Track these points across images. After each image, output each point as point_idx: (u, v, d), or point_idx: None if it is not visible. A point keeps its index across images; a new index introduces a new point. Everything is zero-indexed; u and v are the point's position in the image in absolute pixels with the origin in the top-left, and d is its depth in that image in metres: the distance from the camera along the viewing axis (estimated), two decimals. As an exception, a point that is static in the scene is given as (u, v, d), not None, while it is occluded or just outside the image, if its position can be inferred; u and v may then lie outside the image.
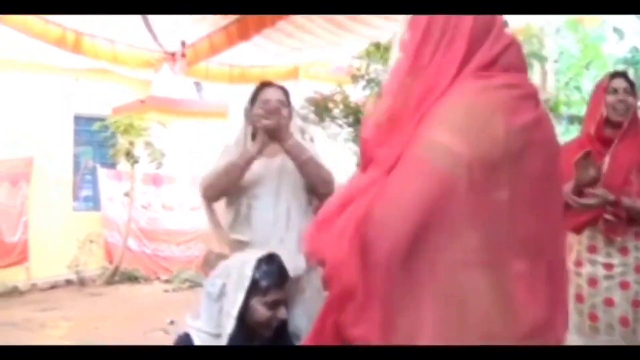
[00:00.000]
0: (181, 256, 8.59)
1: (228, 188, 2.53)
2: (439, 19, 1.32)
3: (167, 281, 8.27)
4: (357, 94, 7.31)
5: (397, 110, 1.34)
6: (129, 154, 7.71)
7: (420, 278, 1.20)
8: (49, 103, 8.62)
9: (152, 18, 5.15)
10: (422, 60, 1.32)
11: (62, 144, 8.95)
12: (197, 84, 9.26)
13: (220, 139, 9.19)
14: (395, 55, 1.50)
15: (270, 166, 2.59)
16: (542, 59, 8.07)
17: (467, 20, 1.30)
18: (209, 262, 2.64)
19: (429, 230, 1.19)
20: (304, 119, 7.81)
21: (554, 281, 1.29)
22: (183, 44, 5.69)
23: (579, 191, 2.50)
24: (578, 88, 7.78)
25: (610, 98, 2.64)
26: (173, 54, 5.86)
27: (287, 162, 2.60)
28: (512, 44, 1.35)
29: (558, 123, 6.76)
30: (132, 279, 8.36)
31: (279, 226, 2.52)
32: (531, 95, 1.33)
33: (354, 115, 7.08)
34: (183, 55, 5.69)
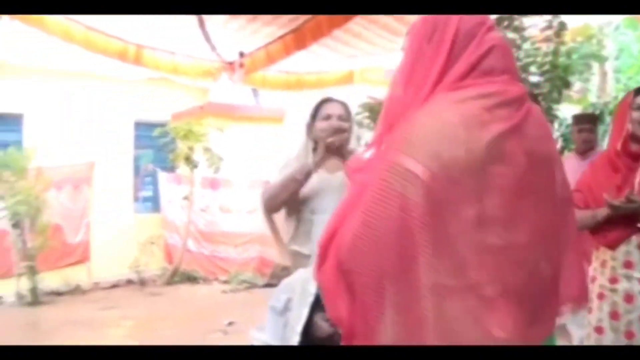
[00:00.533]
0: (238, 258, 8.76)
1: (287, 200, 2.61)
2: (427, 27, 1.36)
3: (225, 282, 8.46)
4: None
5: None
6: (188, 159, 7.93)
7: (401, 302, 1.22)
8: (111, 110, 8.96)
9: (211, 29, 5.30)
10: (409, 73, 1.37)
11: (123, 149, 9.27)
12: (254, 90, 9.43)
13: (277, 143, 9.43)
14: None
15: (331, 181, 2.66)
16: (601, 59, 7.89)
17: (450, 29, 1.33)
18: (277, 275, 2.73)
19: (401, 255, 1.21)
20: (359, 124, 7.87)
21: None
22: (241, 54, 5.83)
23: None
24: (639, 90, 7.55)
25: (636, 114, 2.61)
26: (231, 64, 6.01)
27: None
28: (495, 47, 1.34)
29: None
30: (191, 279, 8.59)
31: None
32: (511, 101, 1.31)
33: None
34: (241, 65, 5.83)
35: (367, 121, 7.54)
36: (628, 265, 2.58)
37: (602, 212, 2.59)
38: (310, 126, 2.72)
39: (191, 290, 8.24)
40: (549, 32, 6.78)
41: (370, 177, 1.30)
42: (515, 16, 6.81)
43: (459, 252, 1.22)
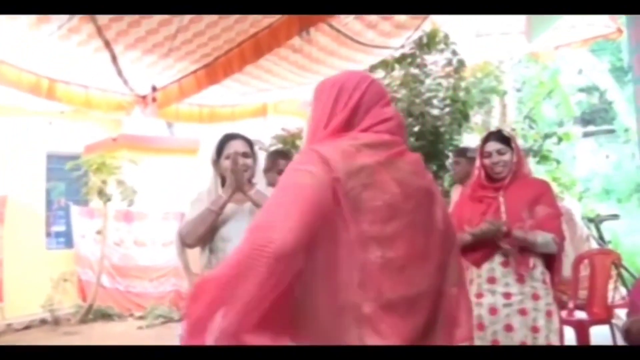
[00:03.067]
0: (154, 292, 8.69)
1: (206, 233, 2.74)
2: (334, 91, 1.61)
3: (140, 317, 8.35)
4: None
5: None
6: (101, 192, 7.85)
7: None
8: (22, 142, 8.76)
9: (123, 64, 5.38)
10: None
11: (34, 182, 9.05)
12: (169, 122, 9.48)
13: (191, 175, 9.47)
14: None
15: (240, 211, 2.82)
16: (500, 93, 8.48)
17: (354, 97, 1.59)
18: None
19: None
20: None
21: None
22: (154, 88, 5.90)
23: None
24: (534, 121, 8.18)
25: (487, 161, 3.04)
26: (144, 97, 6.07)
27: (258, 207, 2.84)
28: (391, 119, 1.62)
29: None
30: (106, 316, 8.42)
31: None
32: (380, 144, 1.56)
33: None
34: (154, 99, 5.90)
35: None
36: (492, 280, 2.91)
37: (464, 237, 2.89)
38: (216, 163, 2.89)
39: (106, 328, 8.08)
40: (449, 69, 7.27)
41: None
42: (417, 53, 7.27)
43: (344, 270, 1.41)
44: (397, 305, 1.45)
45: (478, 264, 2.95)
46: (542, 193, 3.02)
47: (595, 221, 6.67)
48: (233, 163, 2.79)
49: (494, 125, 9.02)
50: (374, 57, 6.85)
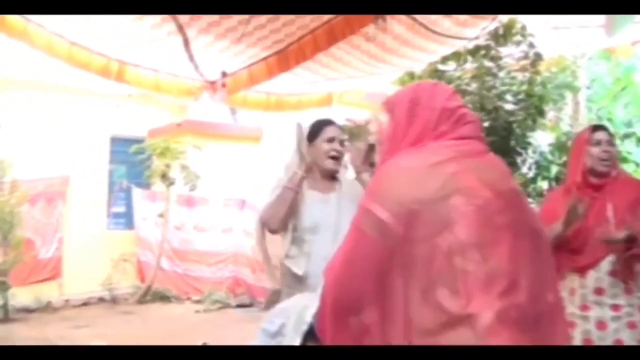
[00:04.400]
0: (212, 277, 8.72)
1: (288, 214, 2.65)
2: (410, 103, 1.58)
3: (198, 302, 8.39)
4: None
5: None
6: (164, 176, 7.90)
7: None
8: (87, 124, 8.88)
9: (195, 49, 5.32)
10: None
11: (98, 163, 9.18)
12: (232, 109, 9.45)
13: (253, 162, 9.44)
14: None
15: (326, 201, 2.72)
16: (575, 89, 8.10)
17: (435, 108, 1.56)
18: (272, 302, 2.75)
19: (379, 293, 1.39)
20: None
21: None
22: (224, 74, 5.83)
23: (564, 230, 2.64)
24: (610, 120, 7.76)
25: (595, 150, 2.79)
26: (213, 83, 6.01)
27: (344, 197, 2.72)
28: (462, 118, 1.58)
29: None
30: (164, 298, 8.51)
31: None
32: (466, 152, 1.51)
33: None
34: (223, 85, 5.83)
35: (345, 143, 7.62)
36: (599, 292, 2.65)
37: (555, 228, 2.64)
38: (305, 147, 2.77)
39: (163, 310, 8.16)
40: (525, 62, 6.96)
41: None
42: (492, 45, 6.98)
43: (442, 285, 1.34)
44: (512, 316, 1.34)
45: (583, 272, 2.70)
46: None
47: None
48: (335, 149, 2.73)
49: (567, 123, 8.64)
50: (447, 47, 6.60)
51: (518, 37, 6.84)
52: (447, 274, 1.35)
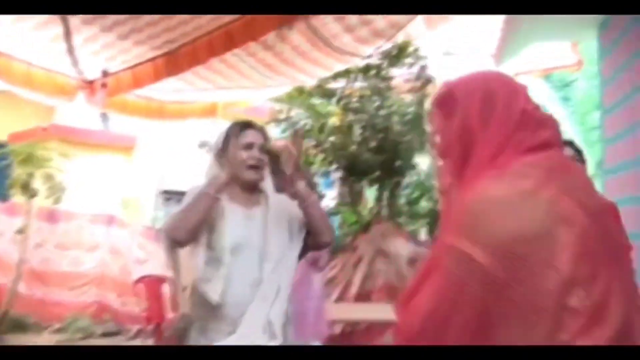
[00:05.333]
0: (74, 301, 7.82)
1: (199, 225, 2.24)
2: (476, 102, 1.28)
3: (59, 330, 7.46)
4: (277, 136, 7.19)
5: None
6: (26, 187, 6.98)
7: None
8: None
9: (77, 41, 4.72)
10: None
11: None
12: (104, 115, 8.71)
13: (124, 175, 8.74)
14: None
15: (250, 217, 2.34)
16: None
17: (498, 106, 1.27)
18: (182, 328, 2.31)
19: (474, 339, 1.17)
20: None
21: None
22: (105, 73, 5.25)
23: None
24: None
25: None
26: (92, 83, 5.39)
27: (271, 212, 2.37)
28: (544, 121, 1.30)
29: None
30: (21, 326, 7.45)
31: (264, 287, 2.26)
32: (554, 165, 1.26)
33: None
34: (103, 85, 5.24)
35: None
36: None
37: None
38: (223, 154, 2.40)
39: (20, 341, 7.15)
40: (416, 84, 7.02)
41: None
42: (384, 65, 6.98)
43: (544, 327, 1.13)
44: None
45: None
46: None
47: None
48: (253, 157, 2.34)
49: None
50: (342, 64, 6.49)
51: (410, 59, 6.91)
52: (553, 316, 1.13)
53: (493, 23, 6.26)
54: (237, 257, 2.26)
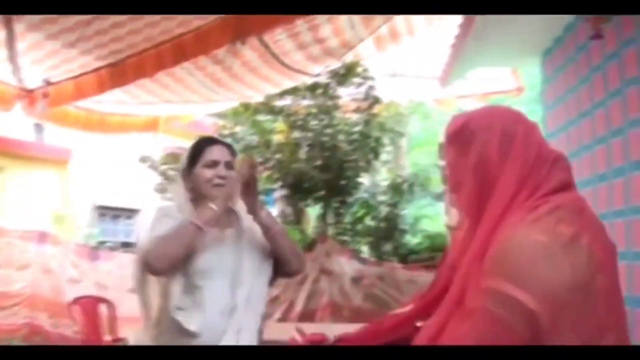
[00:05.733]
0: (3, 324, 7.35)
1: (182, 256, 2.10)
2: (496, 138, 1.25)
3: (-17, 352, 7.01)
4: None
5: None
6: (-49, 200, 6.56)
7: None
8: None
9: (21, 47, 4.48)
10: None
11: None
12: (38, 125, 8.32)
13: (58, 189, 8.35)
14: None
15: (222, 239, 2.23)
16: (399, 135, 8.41)
17: (518, 143, 1.24)
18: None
19: None
20: (164, 175, 7.32)
21: None
22: (47, 82, 5.00)
23: None
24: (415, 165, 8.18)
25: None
26: (32, 92, 5.13)
27: (243, 234, 2.27)
28: (558, 159, 1.28)
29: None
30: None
31: (237, 315, 2.14)
32: (578, 209, 1.24)
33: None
34: (45, 95, 5.00)
35: (171, 172, 7.06)
36: None
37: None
38: (188, 173, 2.29)
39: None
40: (363, 104, 7.07)
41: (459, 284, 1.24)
42: (332, 84, 7.01)
43: None
44: None
45: None
46: None
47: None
48: (219, 175, 2.23)
49: (387, 167, 8.93)
50: (291, 81, 6.45)
51: (358, 79, 6.96)
52: None
53: (439, 47, 6.38)
54: (208, 281, 2.13)
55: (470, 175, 1.26)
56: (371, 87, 6.86)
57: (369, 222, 7.48)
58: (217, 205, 2.13)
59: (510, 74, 7.79)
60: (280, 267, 2.31)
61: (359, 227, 7.49)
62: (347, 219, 7.40)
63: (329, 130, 7.14)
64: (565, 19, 4.84)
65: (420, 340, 1.28)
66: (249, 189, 2.19)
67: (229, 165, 2.25)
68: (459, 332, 1.17)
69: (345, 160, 7.12)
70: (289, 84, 6.51)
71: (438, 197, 6.80)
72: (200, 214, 2.12)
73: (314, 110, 7.20)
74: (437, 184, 6.96)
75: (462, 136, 1.29)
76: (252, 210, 2.22)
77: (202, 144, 2.30)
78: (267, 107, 7.21)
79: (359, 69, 6.83)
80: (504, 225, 1.19)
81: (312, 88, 7.06)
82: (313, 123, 7.12)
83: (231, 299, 2.14)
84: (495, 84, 8.07)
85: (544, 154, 1.24)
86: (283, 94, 7.02)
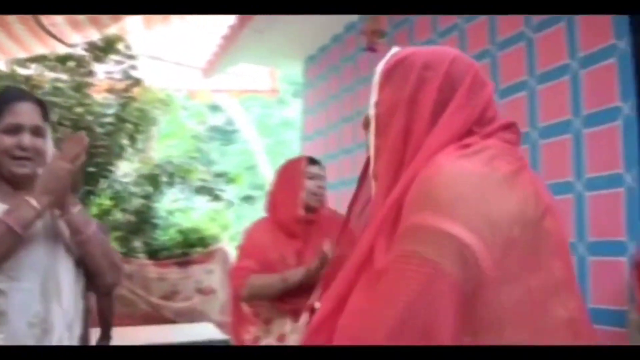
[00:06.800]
0: None
1: None
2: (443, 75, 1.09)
3: None
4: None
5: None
6: None
7: None
8: None
9: None
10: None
11: None
12: None
13: None
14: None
15: (33, 234, 1.67)
16: (153, 123, 7.91)
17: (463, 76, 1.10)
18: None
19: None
20: None
21: None
22: None
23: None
24: (195, 158, 7.82)
25: (310, 183, 2.69)
26: None
27: (55, 224, 1.77)
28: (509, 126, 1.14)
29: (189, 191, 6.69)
30: None
31: (52, 330, 1.65)
32: (514, 151, 1.11)
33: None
34: None
35: None
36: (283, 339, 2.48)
37: (294, 275, 2.46)
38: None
39: None
40: (120, 84, 6.49)
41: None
42: (88, 58, 6.32)
43: (525, 336, 0.93)
44: None
45: (298, 315, 2.42)
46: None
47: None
48: (22, 145, 1.70)
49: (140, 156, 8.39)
50: (45, 48, 5.57)
51: (119, 57, 6.37)
52: (539, 328, 0.93)
53: (209, 38, 6.21)
54: (14, 282, 1.61)
55: (401, 114, 1.06)
56: (132, 67, 6.33)
57: (119, 215, 6.89)
58: (39, 202, 1.61)
59: (268, 74, 7.93)
60: (91, 279, 1.82)
61: (107, 219, 6.86)
62: (94, 210, 6.74)
63: (79, 110, 6.40)
64: (334, 29, 5.07)
65: (323, 305, 1.05)
66: (73, 180, 1.69)
67: (36, 132, 1.73)
68: (376, 293, 0.93)
69: (95, 145, 6.45)
70: (40, 50, 5.66)
71: (198, 190, 6.55)
72: (15, 211, 1.59)
73: (61, 85, 6.39)
74: (196, 177, 6.72)
75: (401, 69, 1.10)
76: (61, 204, 1.70)
77: (4, 98, 1.74)
78: (10, 74, 6.19)
79: (121, 45, 6.26)
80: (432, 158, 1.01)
81: (63, 59, 6.27)
82: (60, 99, 6.31)
83: (42, 306, 1.64)
84: (251, 82, 8.14)
85: (489, 114, 1.09)
86: (29, 61, 6.11)
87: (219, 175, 7.04)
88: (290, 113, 11.79)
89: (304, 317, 2.23)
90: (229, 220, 7.66)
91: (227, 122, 11.69)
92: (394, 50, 1.17)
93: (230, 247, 6.22)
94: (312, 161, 2.77)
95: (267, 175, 8.82)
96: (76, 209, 1.74)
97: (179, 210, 7.15)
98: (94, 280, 1.81)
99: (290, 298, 2.44)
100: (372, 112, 1.13)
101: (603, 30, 2.52)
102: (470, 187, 0.92)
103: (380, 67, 1.15)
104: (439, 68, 1.07)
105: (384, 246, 0.98)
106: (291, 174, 2.74)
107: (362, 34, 4.06)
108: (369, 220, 1.08)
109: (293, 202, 2.64)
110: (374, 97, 1.13)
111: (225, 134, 12.76)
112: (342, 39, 5.08)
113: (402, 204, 0.97)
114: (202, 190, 6.53)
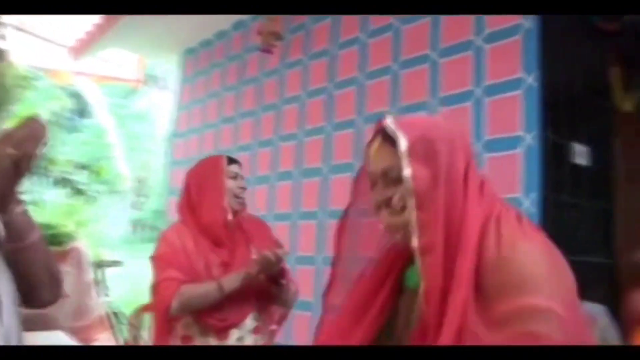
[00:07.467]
0: None
1: None
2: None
3: None
4: None
5: None
6: None
7: None
8: None
9: None
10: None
11: None
12: None
13: None
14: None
15: None
16: (11, 101, 7.20)
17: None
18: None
19: None
20: None
21: None
22: None
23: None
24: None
25: (231, 183, 2.41)
26: None
27: None
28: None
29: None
30: None
31: None
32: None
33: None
34: None
35: None
36: None
37: (232, 281, 2.19)
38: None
39: None
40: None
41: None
42: None
43: None
44: None
45: (225, 332, 2.20)
46: (270, 230, 2.58)
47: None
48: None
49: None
50: None
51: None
52: None
53: (85, 18, 5.78)
54: None
55: (442, 187, 1.16)
56: (2, 37, 5.72)
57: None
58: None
59: (136, 64, 7.57)
60: (26, 292, 1.53)
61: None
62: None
63: None
64: (220, 24, 4.90)
65: None
66: (18, 169, 1.39)
67: None
68: None
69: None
70: None
71: (57, 182, 6.05)
72: None
73: None
74: (57, 167, 6.22)
75: (425, 144, 1.18)
76: (3, 203, 1.43)
77: None
78: None
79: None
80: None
81: None
82: None
83: None
84: (118, 69, 7.74)
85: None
86: None
87: (82, 166, 6.55)
88: (142, 105, 11.14)
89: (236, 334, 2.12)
90: (87, 216, 7.10)
91: (79, 108, 10.84)
92: (390, 119, 1.22)
93: (86, 247, 5.77)
94: (231, 160, 2.47)
95: (123, 169, 8.37)
96: (20, 208, 1.43)
97: (31, 203, 6.55)
98: (29, 294, 1.52)
99: (217, 312, 2.18)
100: (408, 185, 1.17)
101: (512, 63, 2.70)
102: (545, 263, 1.07)
103: (402, 144, 1.19)
104: (457, 142, 1.21)
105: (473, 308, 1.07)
106: (212, 173, 2.41)
107: (258, 34, 4.00)
108: (430, 284, 1.13)
109: (218, 204, 2.34)
110: (406, 171, 1.16)
111: (73, 122, 11.85)
112: (229, 36, 4.92)
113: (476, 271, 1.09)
114: (62, 182, 6.04)
